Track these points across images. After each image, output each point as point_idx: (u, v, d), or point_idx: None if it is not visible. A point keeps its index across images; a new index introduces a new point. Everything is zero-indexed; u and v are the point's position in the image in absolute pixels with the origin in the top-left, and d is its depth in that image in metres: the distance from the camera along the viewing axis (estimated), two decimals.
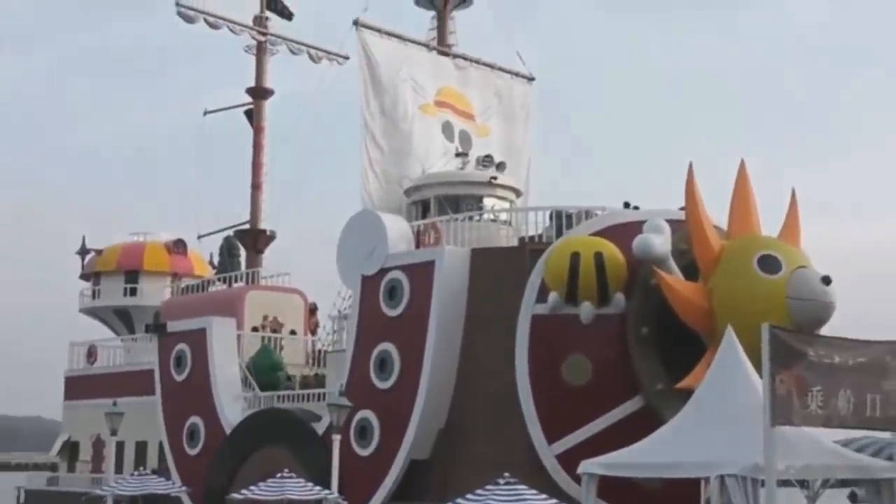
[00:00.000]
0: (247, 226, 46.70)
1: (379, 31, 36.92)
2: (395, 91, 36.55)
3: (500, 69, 40.55)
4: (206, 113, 48.59)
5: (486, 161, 35.34)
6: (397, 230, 30.25)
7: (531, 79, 41.35)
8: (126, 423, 32.82)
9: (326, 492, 25.82)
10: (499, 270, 27.96)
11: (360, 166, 35.62)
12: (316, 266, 48.80)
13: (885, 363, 18.33)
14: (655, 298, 24.64)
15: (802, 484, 21.25)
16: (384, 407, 28.96)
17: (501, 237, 31.70)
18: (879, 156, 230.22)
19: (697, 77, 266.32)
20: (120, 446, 36.87)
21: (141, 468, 31.55)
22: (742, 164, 25.29)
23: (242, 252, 47.06)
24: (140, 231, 51.21)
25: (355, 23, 36.44)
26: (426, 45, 39.36)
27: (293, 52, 48.13)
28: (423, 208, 34.20)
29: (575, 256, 25.23)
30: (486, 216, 32.81)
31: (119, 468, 36.34)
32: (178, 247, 49.64)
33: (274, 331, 38.83)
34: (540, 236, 29.00)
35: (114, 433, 32.11)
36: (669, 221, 24.96)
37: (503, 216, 33.12)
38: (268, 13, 47.64)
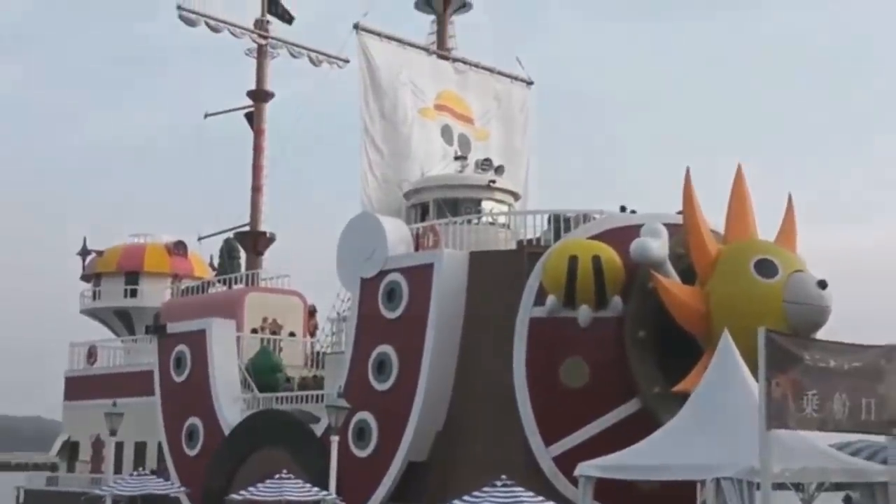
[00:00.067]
0: (247, 228, 46.76)
1: (379, 34, 37.03)
2: (394, 94, 36.65)
3: (499, 73, 40.64)
4: (206, 115, 48.72)
5: (484, 164, 35.45)
6: (396, 233, 30.36)
7: (530, 83, 41.45)
8: (125, 423, 32.89)
9: (324, 493, 25.85)
10: (497, 273, 28.05)
11: (360, 169, 35.67)
12: (315, 268, 48.98)
13: (880, 367, 18.47)
14: (652, 302, 24.77)
15: (797, 487, 21.30)
16: (382, 409, 29.06)
17: (500, 240, 31.77)
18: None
19: (697, 80, 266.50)
20: (119, 447, 36.98)
21: (140, 468, 31.65)
22: (739, 169, 25.46)
23: (242, 254, 47.16)
24: (141, 233, 51.32)
25: (355, 27, 36.55)
26: (426, 49, 39.44)
27: (293, 56, 48.21)
28: (423, 211, 34.30)
29: (573, 260, 25.35)
30: (484, 219, 32.94)
31: (118, 468, 36.39)
32: (179, 248, 49.73)
33: (273, 332, 38.91)
34: (538, 240, 29.11)
35: (113, 433, 32.16)
36: (667, 225, 25.08)
37: (502, 219, 33.21)
38: (268, 17, 47.71)
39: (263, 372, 35.63)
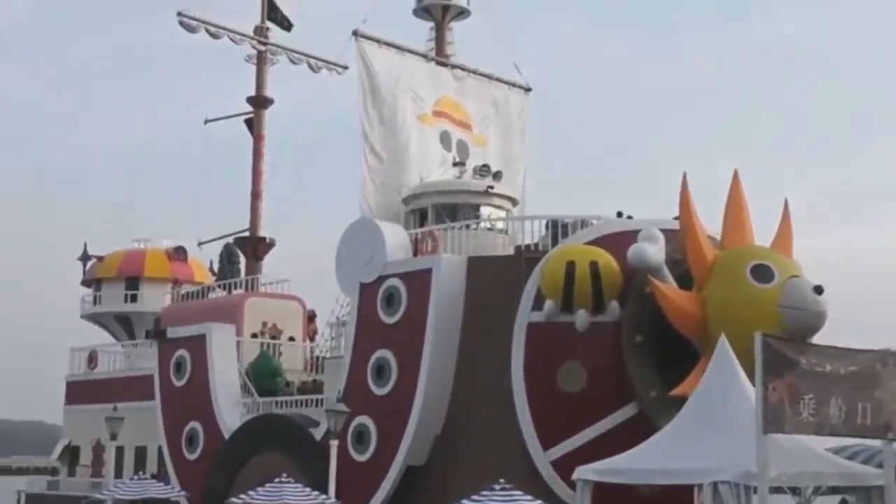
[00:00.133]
0: (247, 233, 46.84)
1: (378, 41, 37.12)
2: (393, 101, 36.73)
3: (498, 80, 40.73)
4: (206, 121, 48.88)
5: (483, 170, 35.59)
6: (395, 238, 30.47)
7: (528, 89, 41.53)
8: (126, 427, 32.96)
9: (324, 497, 25.91)
10: (495, 278, 28.13)
11: (359, 175, 35.74)
12: (315, 273, 49.06)
13: (876, 372, 18.59)
14: (650, 307, 24.88)
15: (794, 491, 21.39)
16: (381, 413, 29.16)
17: (498, 245, 31.84)
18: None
19: (697, 85, 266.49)
20: (120, 451, 37.08)
21: (140, 472, 31.83)
22: (736, 175, 25.58)
23: (242, 259, 47.21)
24: (141, 238, 51.32)
25: (354, 33, 36.62)
26: (425, 56, 39.55)
27: (293, 62, 48.32)
28: (421, 217, 34.41)
29: (571, 265, 25.45)
30: (482, 225, 33.00)
31: (119, 472, 36.49)
32: (179, 254, 49.81)
33: (273, 337, 39.01)
34: (536, 245, 29.18)
35: (114, 438, 32.25)
36: (664, 231, 25.19)
37: (500, 225, 33.31)
38: (268, 23, 47.84)
39: (263, 376, 35.72)
